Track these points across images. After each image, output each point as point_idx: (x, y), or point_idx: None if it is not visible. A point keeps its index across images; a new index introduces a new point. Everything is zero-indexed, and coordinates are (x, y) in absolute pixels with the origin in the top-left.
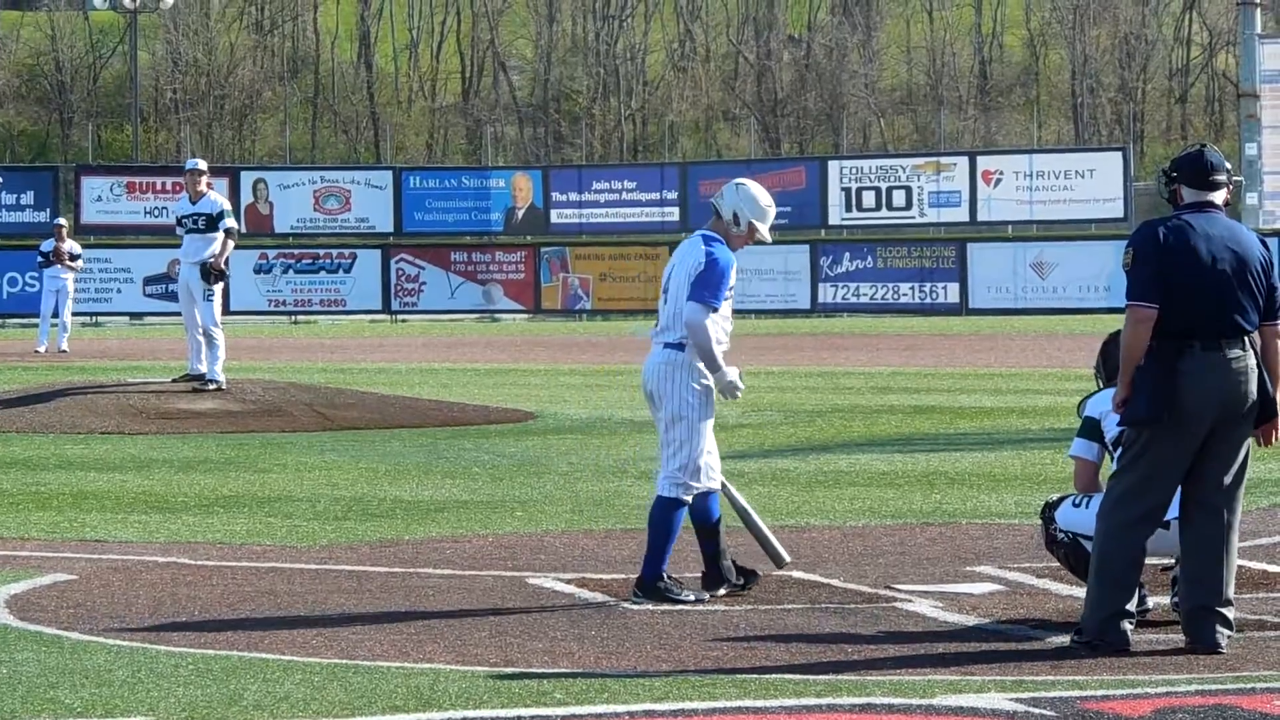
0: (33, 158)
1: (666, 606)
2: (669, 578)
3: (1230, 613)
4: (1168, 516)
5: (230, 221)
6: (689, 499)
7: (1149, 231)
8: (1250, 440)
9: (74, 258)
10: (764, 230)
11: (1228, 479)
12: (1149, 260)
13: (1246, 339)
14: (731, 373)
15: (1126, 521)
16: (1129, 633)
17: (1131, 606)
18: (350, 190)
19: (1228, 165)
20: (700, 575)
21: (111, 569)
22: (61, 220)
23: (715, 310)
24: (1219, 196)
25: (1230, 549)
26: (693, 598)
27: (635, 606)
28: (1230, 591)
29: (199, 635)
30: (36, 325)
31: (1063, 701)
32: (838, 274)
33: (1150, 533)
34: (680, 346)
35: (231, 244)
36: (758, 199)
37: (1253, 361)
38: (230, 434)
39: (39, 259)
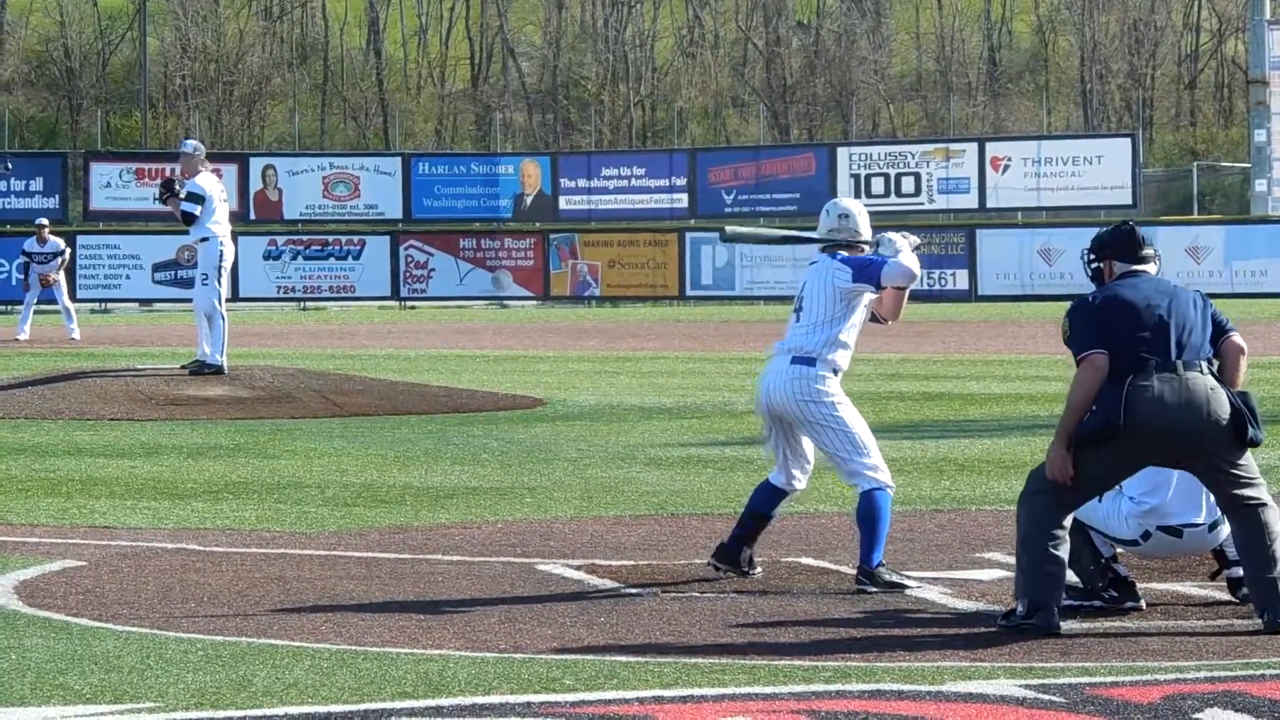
0: (42, 144)
1: (890, 592)
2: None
3: None
4: (1179, 523)
5: (188, 204)
6: (891, 487)
7: (1080, 303)
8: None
9: (55, 256)
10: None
11: (1248, 491)
12: (1086, 320)
13: (1203, 364)
14: (907, 244)
15: (1048, 506)
16: (1058, 614)
17: (1060, 591)
18: (359, 177)
19: (1152, 244)
20: (717, 546)
21: (120, 555)
22: (44, 220)
23: (876, 289)
24: (1150, 269)
25: (1276, 539)
26: (914, 583)
27: (860, 590)
28: None
29: (208, 621)
30: (54, 312)
31: (1072, 688)
32: None
33: (1065, 517)
34: (810, 361)
35: (180, 205)
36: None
37: (1212, 382)
38: (239, 420)
39: (22, 257)
